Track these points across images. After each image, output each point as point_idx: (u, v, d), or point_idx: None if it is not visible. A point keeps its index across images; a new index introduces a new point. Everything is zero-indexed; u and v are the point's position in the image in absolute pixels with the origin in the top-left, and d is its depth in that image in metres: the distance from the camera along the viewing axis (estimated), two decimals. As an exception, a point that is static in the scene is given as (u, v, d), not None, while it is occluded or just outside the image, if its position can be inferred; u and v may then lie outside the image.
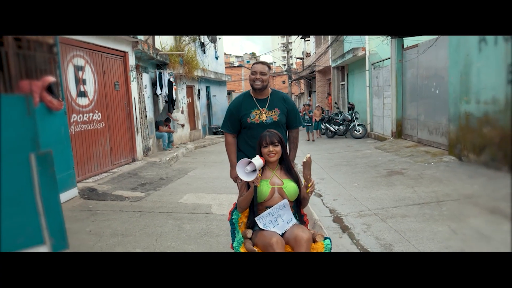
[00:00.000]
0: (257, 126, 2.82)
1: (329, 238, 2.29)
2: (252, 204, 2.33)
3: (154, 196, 5.36)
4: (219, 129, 15.02)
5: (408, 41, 9.60)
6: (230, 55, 55.14)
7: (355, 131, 12.09)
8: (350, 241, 3.55)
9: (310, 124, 12.69)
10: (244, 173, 2.19)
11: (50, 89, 3.92)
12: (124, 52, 7.53)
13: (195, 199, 5.14)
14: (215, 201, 4.99)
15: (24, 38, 3.19)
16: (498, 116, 5.43)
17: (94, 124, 6.31)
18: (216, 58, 17.20)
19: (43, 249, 3.03)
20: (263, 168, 2.33)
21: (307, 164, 2.26)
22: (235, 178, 2.93)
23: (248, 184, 2.30)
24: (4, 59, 2.98)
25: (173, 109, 11.02)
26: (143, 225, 4.05)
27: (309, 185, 2.23)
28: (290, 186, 2.32)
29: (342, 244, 3.48)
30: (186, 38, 12.28)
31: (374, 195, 4.94)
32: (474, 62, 6.03)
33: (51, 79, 3.83)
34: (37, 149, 2.93)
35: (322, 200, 4.99)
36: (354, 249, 3.37)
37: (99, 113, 6.48)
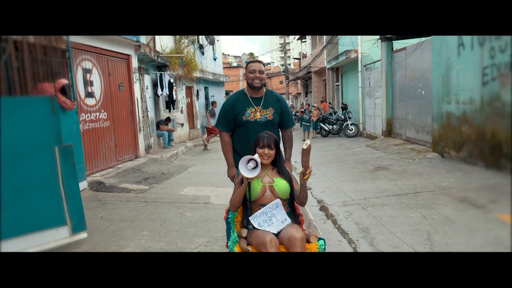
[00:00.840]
0: (252, 124, 2.84)
1: (323, 239, 2.30)
2: (245, 203, 2.40)
3: (157, 188, 5.81)
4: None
5: (397, 44, 10.07)
6: (229, 55, 55.60)
7: (348, 130, 12.58)
8: (333, 226, 4.01)
9: (309, 124, 13.14)
10: (246, 169, 2.25)
11: (63, 90, 4.36)
12: (128, 55, 7.97)
13: (195, 191, 5.59)
14: (213, 193, 5.45)
15: (41, 44, 3.62)
16: (474, 116, 5.90)
17: (101, 122, 6.75)
18: (214, 59, 17.67)
19: (64, 230, 3.48)
20: None
21: (306, 151, 2.28)
22: (232, 178, 2.97)
23: (241, 182, 2.35)
24: (27, 64, 3.44)
25: (173, 109, 11.46)
26: (148, 212, 4.51)
27: (306, 172, 2.27)
28: (280, 184, 2.38)
29: (325, 228, 3.93)
30: (185, 41, 12.73)
31: (359, 188, 5.40)
32: (454, 65, 6.49)
33: (64, 81, 4.29)
34: (60, 143, 3.39)
35: (311, 192, 5.44)
36: (336, 232, 3.83)
37: (105, 113, 6.93)
